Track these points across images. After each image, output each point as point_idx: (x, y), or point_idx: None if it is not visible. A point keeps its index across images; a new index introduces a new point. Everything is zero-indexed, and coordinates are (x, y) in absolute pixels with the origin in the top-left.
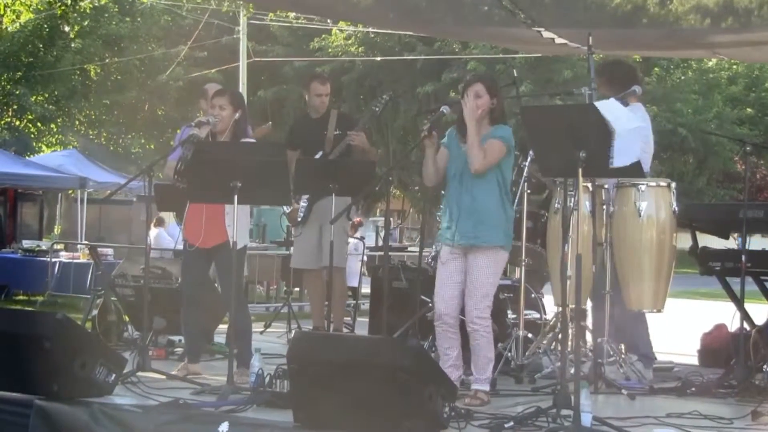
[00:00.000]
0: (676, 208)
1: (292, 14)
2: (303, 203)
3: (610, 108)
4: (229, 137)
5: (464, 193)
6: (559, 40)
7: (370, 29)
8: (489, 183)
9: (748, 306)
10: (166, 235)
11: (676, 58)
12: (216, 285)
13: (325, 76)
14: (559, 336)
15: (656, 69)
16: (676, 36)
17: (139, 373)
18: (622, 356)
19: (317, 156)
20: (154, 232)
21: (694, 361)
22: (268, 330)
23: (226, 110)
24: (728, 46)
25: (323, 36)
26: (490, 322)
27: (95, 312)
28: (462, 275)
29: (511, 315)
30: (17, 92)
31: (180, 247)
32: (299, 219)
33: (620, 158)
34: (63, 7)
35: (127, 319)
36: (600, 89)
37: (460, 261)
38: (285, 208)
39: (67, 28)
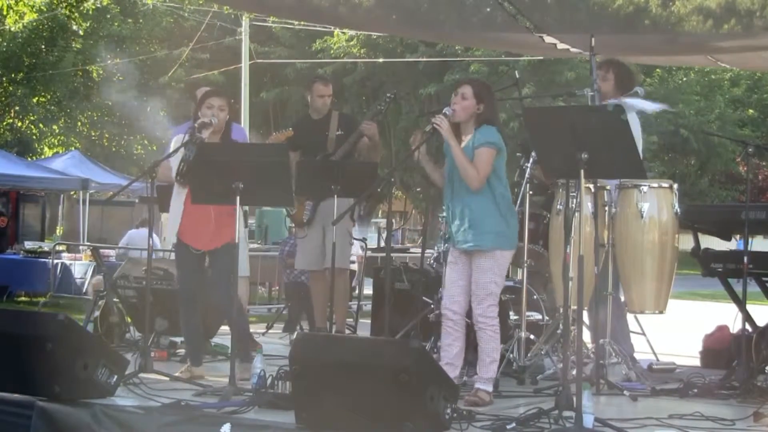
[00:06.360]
0: (678, 210)
1: None
2: (309, 203)
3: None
4: (221, 138)
5: (456, 197)
6: (561, 46)
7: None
8: (479, 189)
9: (750, 307)
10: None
11: None
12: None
13: (327, 78)
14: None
15: (658, 70)
16: (677, 41)
17: (141, 375)
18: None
19: (318, 157)
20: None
21: (696, 362)
22: (269, 331)
23: (224, 111)
24: (730, 51)
25: (325, 38)
26: (496, 322)
27: (97, 313)
28: (468, 275)
29: (513, 316)
30: (18, 93)
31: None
32: (305, 220)
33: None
34: (68, 7)
35: (129, 320)
36: (602, 84)
37: (464, 261)
38: (288, 209)
39: (75, 27)
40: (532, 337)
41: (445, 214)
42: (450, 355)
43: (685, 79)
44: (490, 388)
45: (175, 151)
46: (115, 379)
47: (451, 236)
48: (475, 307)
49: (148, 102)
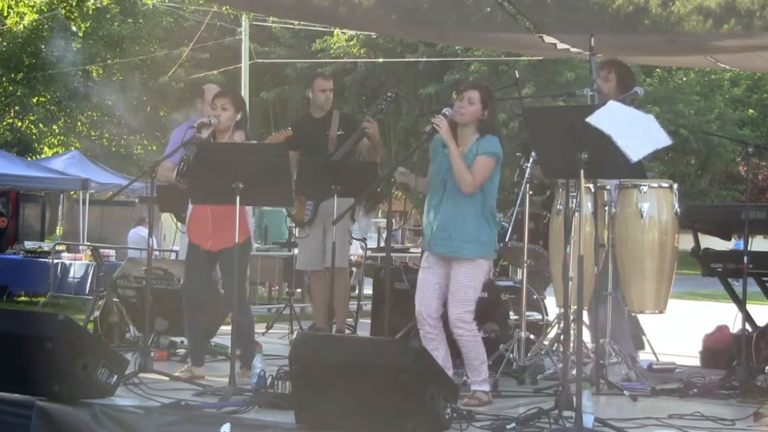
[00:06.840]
0: (678, 210)
1: None
2: (309, 203)
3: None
4: (230, 138)
5: (446, 200)
6: (561, 46)
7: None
8: (472, 194)
9: (750, 307)
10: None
11: None
12: (217, 286)
13: (327, 74)
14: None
15: (658, 70)
16: (677, 41)
17: (141, 374)
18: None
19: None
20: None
21: (696, 362)
22: (270, 331)
23: (228, 110)
24: (730, 51)
25: (325, 38)
26: (474, 326)
27: (97, 313)
28: (443, 279)
29: (513, 316)
30: (18, 93)
31: (155, 246)
32: (306, 220)
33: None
34: (68, 7)
35: (129, 320)
36: (603, 84)
37: (441, 266)
38: (289, 209)
39: (74, 28)
40: (532, 337)
41: (425, 213)
42: (438, 359)
43: (684, 79)
44: (487, 388)
45: (174, 150)
46: (115, 379)
47: (428, 239)
48: (453, 313)
49: (148, 101)
